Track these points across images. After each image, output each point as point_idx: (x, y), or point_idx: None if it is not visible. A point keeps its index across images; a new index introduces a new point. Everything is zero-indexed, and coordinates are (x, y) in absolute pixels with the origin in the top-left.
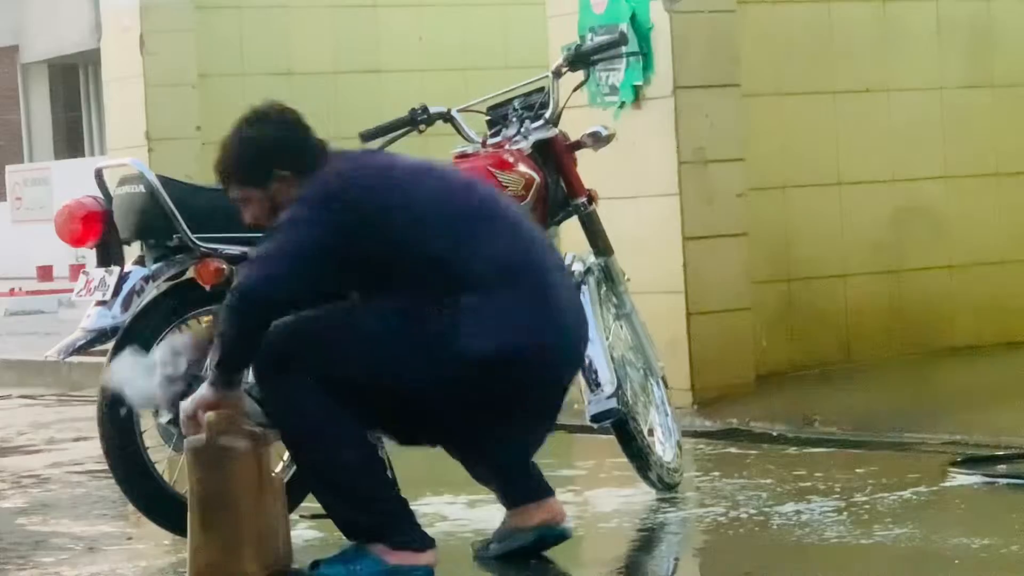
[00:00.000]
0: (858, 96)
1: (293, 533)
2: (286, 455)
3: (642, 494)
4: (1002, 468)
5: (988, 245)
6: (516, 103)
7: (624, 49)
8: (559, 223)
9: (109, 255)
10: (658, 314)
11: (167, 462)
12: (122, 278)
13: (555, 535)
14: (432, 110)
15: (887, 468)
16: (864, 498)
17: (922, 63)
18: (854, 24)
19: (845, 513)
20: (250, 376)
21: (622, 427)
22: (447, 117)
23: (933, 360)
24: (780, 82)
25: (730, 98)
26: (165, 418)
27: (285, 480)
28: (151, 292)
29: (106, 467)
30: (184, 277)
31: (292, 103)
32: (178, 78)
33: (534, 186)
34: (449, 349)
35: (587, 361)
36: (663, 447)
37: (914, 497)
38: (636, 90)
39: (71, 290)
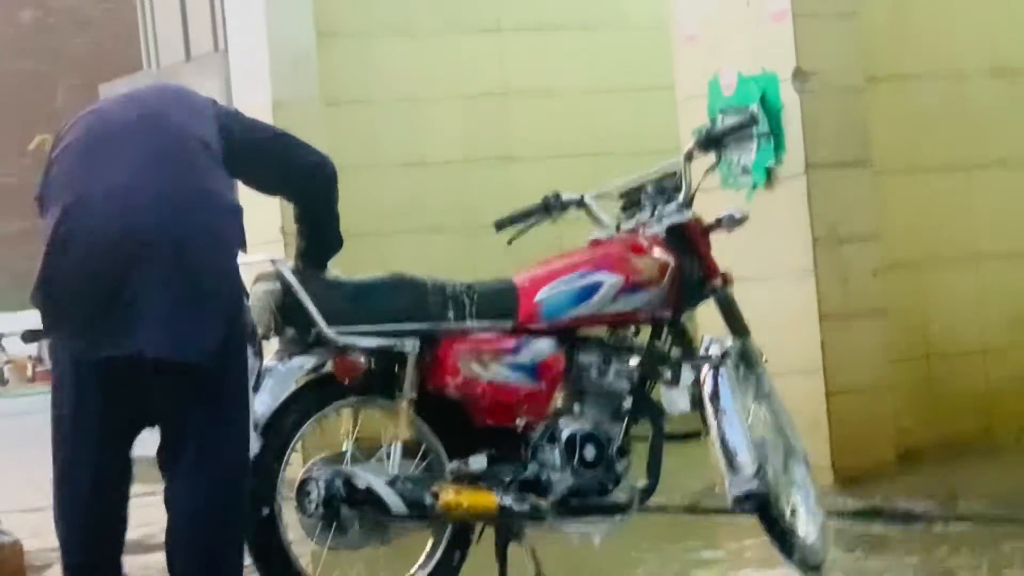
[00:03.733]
0: (991, 169)
1: None
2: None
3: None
4: None
5: None
6: (649, 187)
7: (755, 130)
8: (695, 306)
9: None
10: (797, 394)
11: (311, 556)
12: (261, 373)
13: None
14: (565, 197)
15: None
16: (1014, 573)
17: None
18: (986, 98)
19: None
20: None
21: (765, 508)
22: (580, 203)
23: None
24: (913, 158)
25: (862, 176)
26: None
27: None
28: (290, 387)
29: (249, 561)
30: (323, 371)
31: (425, 193)
32: None
33: (669, 270)
34: None
35: (728, 443)
36: (806, 528)
37: None
38: (768, 171)
39: None
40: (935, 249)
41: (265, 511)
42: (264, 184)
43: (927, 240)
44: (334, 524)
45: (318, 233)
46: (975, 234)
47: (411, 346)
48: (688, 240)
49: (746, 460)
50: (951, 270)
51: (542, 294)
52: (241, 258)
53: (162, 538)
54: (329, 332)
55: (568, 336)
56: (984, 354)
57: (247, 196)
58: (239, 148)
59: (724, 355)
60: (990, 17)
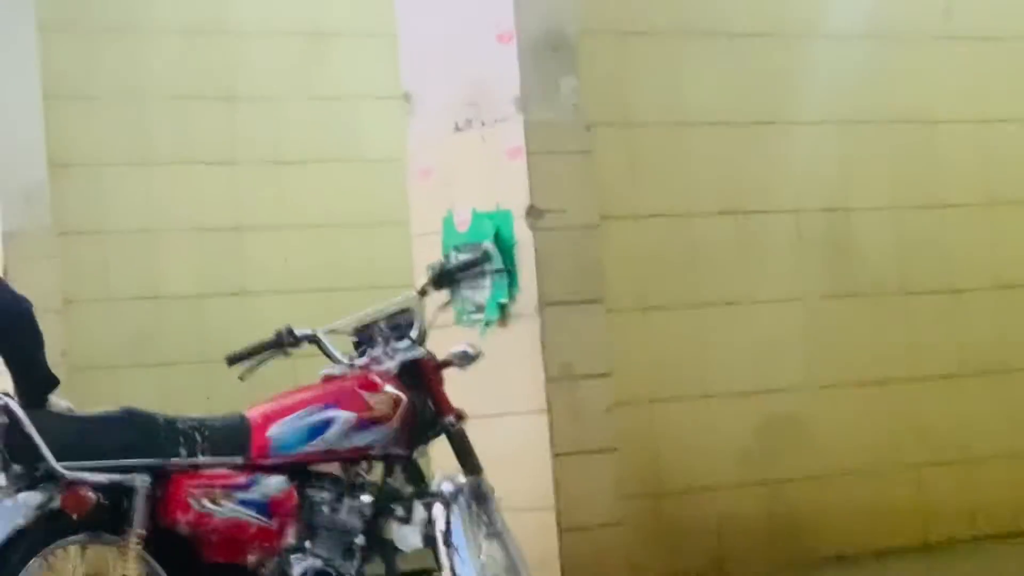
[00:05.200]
0: (722, 308)
1: None
2: None
3: None
4: None
5: (854, 453)
6: (382, 323)
7: (488, 267)
8: (428, 443)
9: None
10: (529, 531)
11: None
12: None
13: None
14: (298, 332)
15: None
16: None
17: (783, 275)
18: (716, 237)
19: None
20: None
21: None
22: (313, 339)
23: (805, 571)
24: (645, 296)
25: (595, 314)
26: None
27: None
28: (17, 523)
29: None
30: (50, 506)
31: (159, 326)
32: (42, 304)
33: (401, 406)
34: None
35: None
36: None
37: None
38: (502, 307)
39: None
40: (667, 387)
41: None
42: None
43: (659, 378)
44: None
45: (26, 373)
46: (705, 372)
47: (141, 481)
48: (421, 376)
49: None
50: (682, 408)
51: (274, 430)
52: None
53: None
54: (58, 467)
55: (300, 472)
56: (715, 491)
57: None
58: None
59: (456, 492)
60: (720, 159)
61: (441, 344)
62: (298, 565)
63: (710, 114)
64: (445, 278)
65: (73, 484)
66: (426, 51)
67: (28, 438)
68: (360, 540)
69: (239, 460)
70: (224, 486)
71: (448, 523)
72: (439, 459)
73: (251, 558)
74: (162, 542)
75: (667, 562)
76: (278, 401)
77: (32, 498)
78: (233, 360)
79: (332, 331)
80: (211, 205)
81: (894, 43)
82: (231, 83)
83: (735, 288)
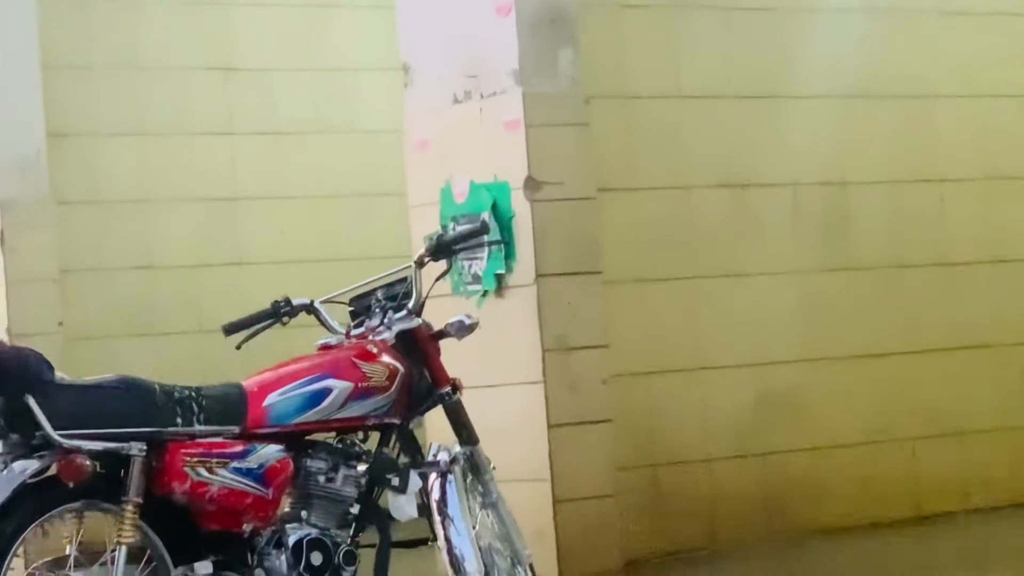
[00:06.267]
0: (718, 281)
1: None
2: None
3: None
4: None
5: (848, 427)
6: (379, 293)
7: (486, 238)
8: (424, 413)
9: None
10: (524, 502)
11: None
12: None
13: None
14: (295, 302)
15: None
16: None
17: (780, 248)
18: (712, 210)
19: None
20: None
21: None
22: (310, 309)
23: (799, 543)
24: (641, 268)
25: (592, 285)
26: None
27: None
28: (13, 490)
29: None
30: (47, 474)
31: (155, 296)
32: (39, 273)
33: (398, 376)
34: None
35: (455, 550)
36: None
37: None
38: (499, 278)
39: None
40: (662, 359)
41: None
42: None
43: (654, 350)
44: None
45: None
46: (701, 345)
47: (137, 450)
48: (417, 347)
49: (473, 567)
50: (677, 380)
51: (271, 399)
52: None
53: None
54: (54, 435)
55: (296, 441)
56: (708, 463)
57: None
58: None
59: (452, 462)
60: (717, 133)
61: (438, 315)
62: (293, 534)
63: (708, 87)
64: (443, 249)
65: (70, 452)
66: (425, 23)
67: (25, 406)
68: (355, 509)
69: (235, 429)
70: (220, 455)
71: (443, 493)
72: (435, 429)
73: (247, 527)
74: (158, 510)
75: (661, 533)
76: (275, 371)
77: (28, 466)
78: (230, 330)
79: (329, 301)
80: (208, 175)
81: (892, 17)
82: (228, 54)
83: (732, 261)
